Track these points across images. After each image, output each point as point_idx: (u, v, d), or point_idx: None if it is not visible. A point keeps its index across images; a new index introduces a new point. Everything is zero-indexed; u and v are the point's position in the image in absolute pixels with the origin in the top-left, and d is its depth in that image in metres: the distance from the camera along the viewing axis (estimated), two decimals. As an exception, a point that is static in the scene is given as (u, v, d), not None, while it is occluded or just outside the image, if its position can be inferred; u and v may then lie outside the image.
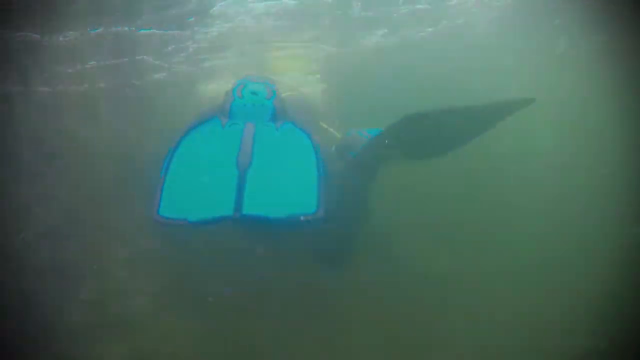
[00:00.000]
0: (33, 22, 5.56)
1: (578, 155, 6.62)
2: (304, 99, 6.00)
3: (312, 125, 3.92)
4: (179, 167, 3.40)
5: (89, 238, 5.48)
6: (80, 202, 5.86)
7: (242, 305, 4.84)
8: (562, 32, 7.08)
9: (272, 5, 6.29)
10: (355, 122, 5.02)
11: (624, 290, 4.75)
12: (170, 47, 6.79)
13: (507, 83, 6.37)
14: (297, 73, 8.11)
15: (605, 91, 6.59)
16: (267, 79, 4.12)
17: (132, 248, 5.35)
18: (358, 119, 5.16)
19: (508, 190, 6.15)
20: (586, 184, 6.14)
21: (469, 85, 6.07)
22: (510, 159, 6.29)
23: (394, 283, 5.01)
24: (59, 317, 4.82)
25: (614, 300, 4.72)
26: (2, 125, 6.20)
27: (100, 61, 6.64)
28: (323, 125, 4.98)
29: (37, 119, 6.47)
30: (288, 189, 3.34)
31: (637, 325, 4.39)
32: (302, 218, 3.23)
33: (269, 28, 6.76)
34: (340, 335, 4.65)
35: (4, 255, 5.22)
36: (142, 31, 6.28)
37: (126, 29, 6.14)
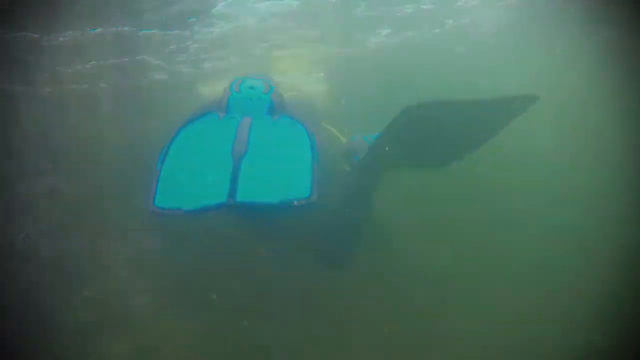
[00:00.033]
0: (33, 22, 5.56)
1: (578, 155, 6.62)
2: (306, 98, 6.00)
3: (314, 124, 3.92)
4: (174, 159, 3.42)
5: (89, 236, 5.48)
6: (79, 201, 5.87)
7: (242, 305, 4.84)
8: (563, 32, 7.08)
9: (275, 5, 6.27)
10: (358, 122, 5.02)
11: (624, 290, 4.76)
12: (171, 47, 6.78)
13: (508, 83, 6.37)
14: (299, 73, 8.12)
15: (605, 91, 6.60)
16: (266, 76, 4.13)
17: (132, 246, 5.35)
18: (360, 118, 5.16)
19: (508, 190, 6.15)
20: (586, 184, 6.15)
21: (473, 86, 6.06)
22: (510, 159, 6.29)
23: (394, 283, 5.02)
24: (59, 314, 4.83)
25: (614, 300, 4.72)
26: (2, 124, 6.21)
27: (101, 61, 6.64)
28: (325, 125, 4.98)
29: (37, 118, 6.47)
30: (282, 175, 3.35)
31: (637, 325, 4.39)
32: (295, 203, 3.25)
33: (271, 28, 6.74)
34: (340, 335, 4.65)
35: (5, 253, 5.23)
36: (143, 31, 6.27)
37: (126, 29, 6.14)
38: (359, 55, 7.93)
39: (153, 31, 6.31)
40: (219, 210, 3.24)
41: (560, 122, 6.78)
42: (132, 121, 6.86)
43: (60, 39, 6.04)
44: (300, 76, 8.14)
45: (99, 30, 6.07)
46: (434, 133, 3.91)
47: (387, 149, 4.08)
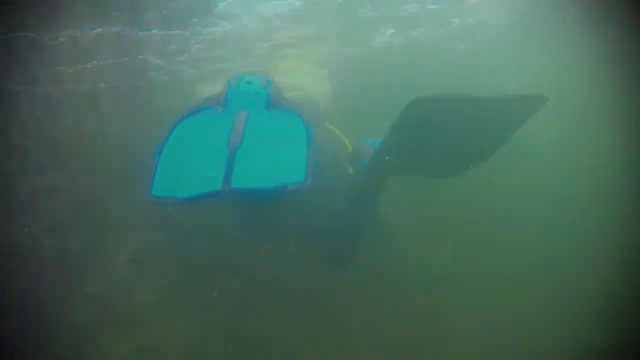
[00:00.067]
0: (34, 22, 5.56)
1: (578, 155, 6.62)
2: (309, 98, 6.00)
3: (317, 124, 3.92)
4: (171, 150, 3.46)
5: (89, 235, 5.48)
6: (79, 201, 5.86)
7: (242, 305, 4.84)
8: (565, 31, 7.07)
9: (278, 5, 6.25)
10: (361, 123, 5.02)
11: (624, 290, 4.76)
12: (171, 47, 6.77)
13: (508, 83, 6.37)
14: (302, 73, 8.10)
15: (606, 91, 6.60)
16: (265, 73, 4.14)
17: (132, 245, 5.36)
18: (364, 119, 5.16)
19: (508, 190, 6.15)
20: (586, 184, 6.15)
21: (478, 87, 6.05)
22: (510, 159, 6.29)
23: (394, 283, 5.02)
24: (59, 314, 4.83)
25: (614, 300, 4.72)
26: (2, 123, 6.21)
27: (101, 61, 6.63)
28: (329, 126, 4.97)
29: (38, 118, 6.47)
30: (276, 160, 3.36)
31: (637, 325, 4.39)
32: (290, 187, 3.25)
33: (274, 28, 6.73)
34: (340, 335, 4.65)
35: (5, 253, 5.23)
36: (144, 31, 6.26)
37: (127, 29, 6.13)
38: (363, 55, 7.92)
39: (153, 31, 6.31)
40: (215, 197, 3.25)
41: (560, 122, 6.78)
42: (133, 121, 6.85)
43: (61, 38, 6.04)
44: (302, 76, 8.13)
45: (98, 30, 6.07)
46: (440, 135, 3.87)
47: (392, 153, 4.06)
